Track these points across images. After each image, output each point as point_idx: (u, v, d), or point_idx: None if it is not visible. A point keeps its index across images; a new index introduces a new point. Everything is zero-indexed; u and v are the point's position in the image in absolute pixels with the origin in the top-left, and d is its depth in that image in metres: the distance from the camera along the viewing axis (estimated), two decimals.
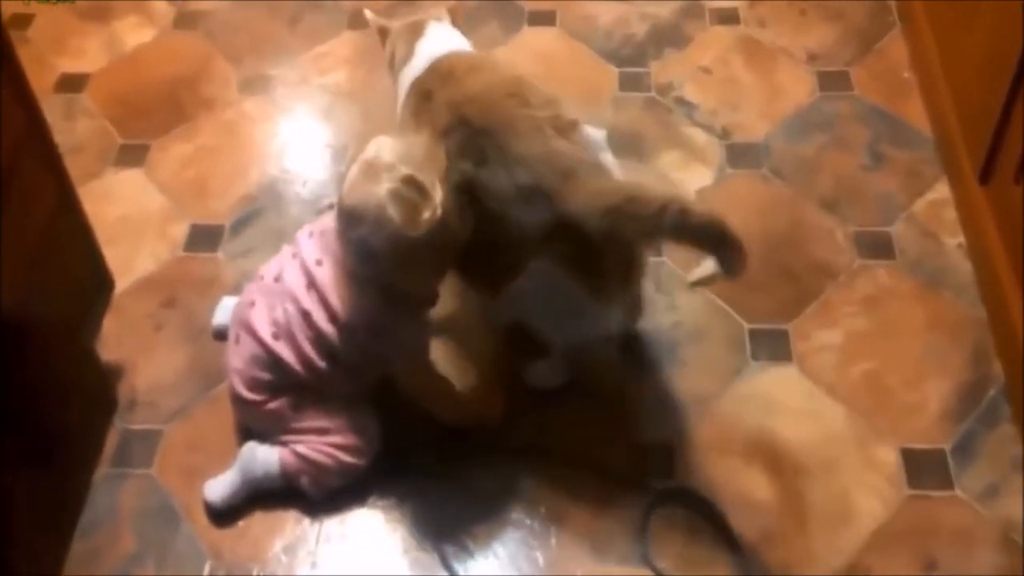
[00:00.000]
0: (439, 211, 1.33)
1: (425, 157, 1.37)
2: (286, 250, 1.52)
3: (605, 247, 1.36)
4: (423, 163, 1.35)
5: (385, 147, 1.36)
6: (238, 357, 1.48)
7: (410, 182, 1.32)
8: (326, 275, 1.43)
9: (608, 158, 1.44)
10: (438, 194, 1.33)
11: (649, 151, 1.93)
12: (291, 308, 1.44)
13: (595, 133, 1.45)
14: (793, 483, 1.48)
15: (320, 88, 2.10)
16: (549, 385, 1.59)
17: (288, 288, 1.45)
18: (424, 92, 1.49)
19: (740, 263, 1.33)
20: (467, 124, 1.40)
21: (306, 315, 1.42)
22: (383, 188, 1.32)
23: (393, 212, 1.31)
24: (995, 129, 1.61)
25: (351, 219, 1.35)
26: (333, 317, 1.41)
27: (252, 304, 1.49)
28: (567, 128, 1.39)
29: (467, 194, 1.39)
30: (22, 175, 1.36)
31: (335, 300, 1.41)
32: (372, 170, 1.34)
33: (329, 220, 1.45)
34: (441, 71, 1.50)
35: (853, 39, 2.12)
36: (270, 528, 1.47)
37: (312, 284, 1.43)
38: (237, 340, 1.49)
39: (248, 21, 2.24)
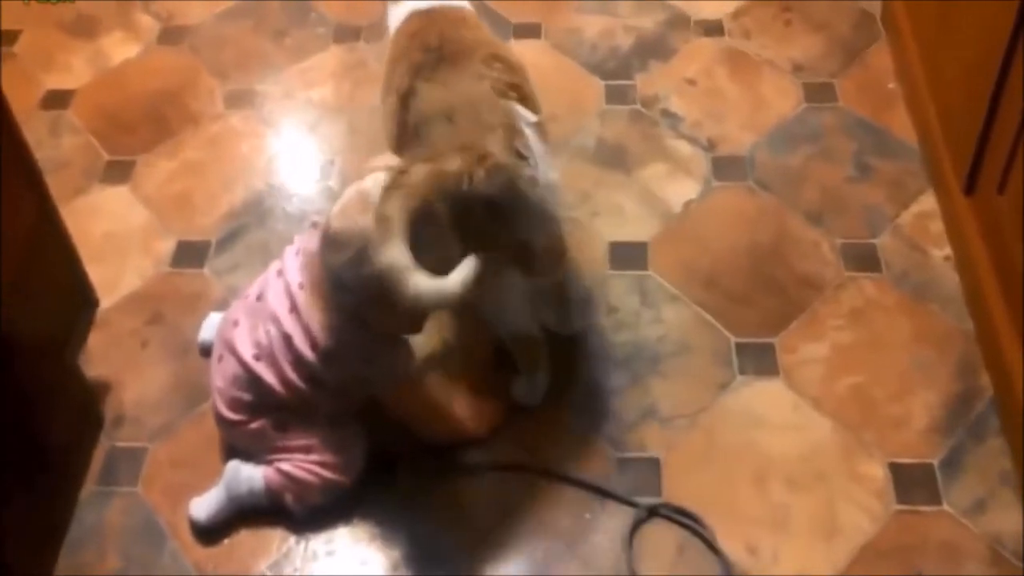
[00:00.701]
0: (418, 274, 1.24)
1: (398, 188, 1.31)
2: (273, 267, 1.51)
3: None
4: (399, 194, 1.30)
5: (383, 182, 1.31)
6: (220, 376, 1.48)
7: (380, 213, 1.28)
8: (308, 301, 1.41)
9: (535, 144, 1.42)
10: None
11: (635, 163, 1.93)
12: (273, 330, 1.43)
13: (526, 114, 1.44)
14: (780, 497, 1.48)
15: (306, 102, 2.10)
16: (529, 402, 1.58)
17: (271, 310, 1.44)
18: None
19: None
20: (429, 50, 1.45)
21: (287, 339, 1.42)
22: (371, 223, 1.28)
23: (374, 252, 1.27)
24: (978, 140, 1.61)
25: (333, 244, 1.34)
26: (314, 343, 1.41)
27: (236, 323, 1.49)
28: (504, 91, 1.41)
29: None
30: (1, 192, 1.35)
31: (315, 326, 1.40)
32: (365, 202, 1.30)
33: (313, 240, 1.43)
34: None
35: (838, 50, 2.12)
36: (255, 546, 1.46)
37: (295, 307, 1.42)
38: (220, 359, 1.49)
39: (234, 36, 2.24)
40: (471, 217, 1.31)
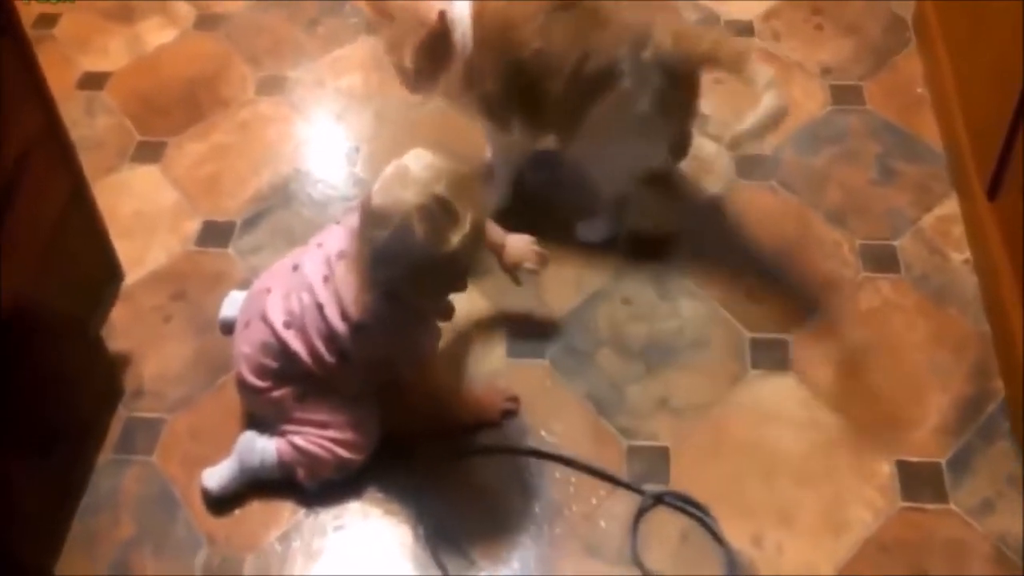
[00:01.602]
0: (461, 241, 1.34)
1: (462, 185, 1.36)
2: (313, 239, 1.53)
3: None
4: (459, 189, 1.35)
5: (425, 160, 1.36)
6: (247, 343, 1.50)
7: (442, 203, 1.33)
8: (344, 270, 1.43)
9: None
10: (466, 225, 1.34)
11: None
12: (307, 299, 1.45)
13: None
14: (787, 491, 1.49)
15: (335, 91, 2.13)
16: (599, 238, 1.79)
17: (306, 278, 1.46)
18: None
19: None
20: None
21: (320, 308, 1.44)
22: (413, 199, 1.32)
23: (417, 226, 1.32)
24: (1003, 146, 1.61)
25: (374, 219, 1.36)
26: (345, 315, 1.43)
27: (268, 291, 1.50)
28: None
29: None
30: (37, 167, 1.39)
31: (348, 298, 1.42)
32: (407, 178, 1.34)
33: (355, 218, 1.45)
34: None
35: (868, 54, 2.12)
36: (266, 518, 1.49)
37: (330, 277, 1.44)
38: (247, 325, 1.51)
39: (267, 24, 2.28)
40: None
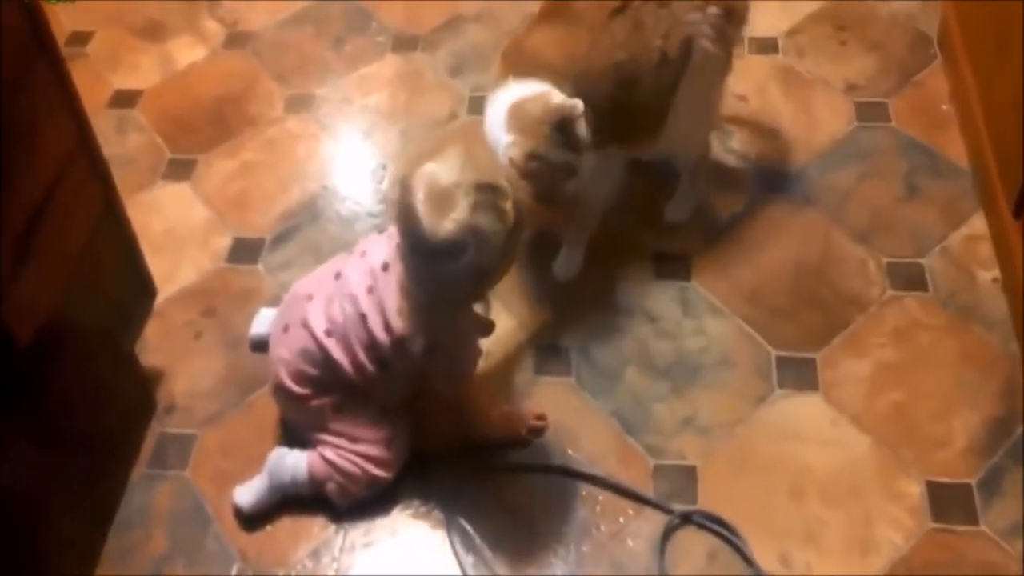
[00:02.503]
0: (512, 197, 1.36)
1: (471, 161, 1.36)
2: (356, 247, 1.54)
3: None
4: (477, 167, 1.36)
5: (438, 172, 1.35)
6: (286, 348, 1.50)
7: (481, 188, 1.33)
8: (390, 282, 1.44)
9: None
10: (504, 182, 1.36)
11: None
12: (349, 308, 1.45)
13: None
14: (815, 511, 1.49)
15: (362, 108, 2.15)
16: (682, 219, 1.86)
17: (350, 288, 1.46)
18: None
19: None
20: None
21: (363, 318, 1.44)
22: (465, 209, 1.32)
23: (487, 222, 1.33)
24: None
25: (452, 252, 1.34)
26: (387, 326, 1.43)
27: (309, 297, 1.51)
28: None
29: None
30: (70, 185, 1.41)
31: (392, 311, 1.43)
32: (441, 199, 1.33)
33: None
34: None
35: (893, 70, 2.12)
36: (296, 534, 1.50)
37: (374, 288, 1.45)
38: (286, 330, 1.51)
39: (295, 42, 2.31)
40: None
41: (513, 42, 1.69)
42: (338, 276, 1.50)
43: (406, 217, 1.36)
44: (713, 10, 1.65)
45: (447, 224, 1.32)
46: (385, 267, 1.45)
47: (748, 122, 2.04)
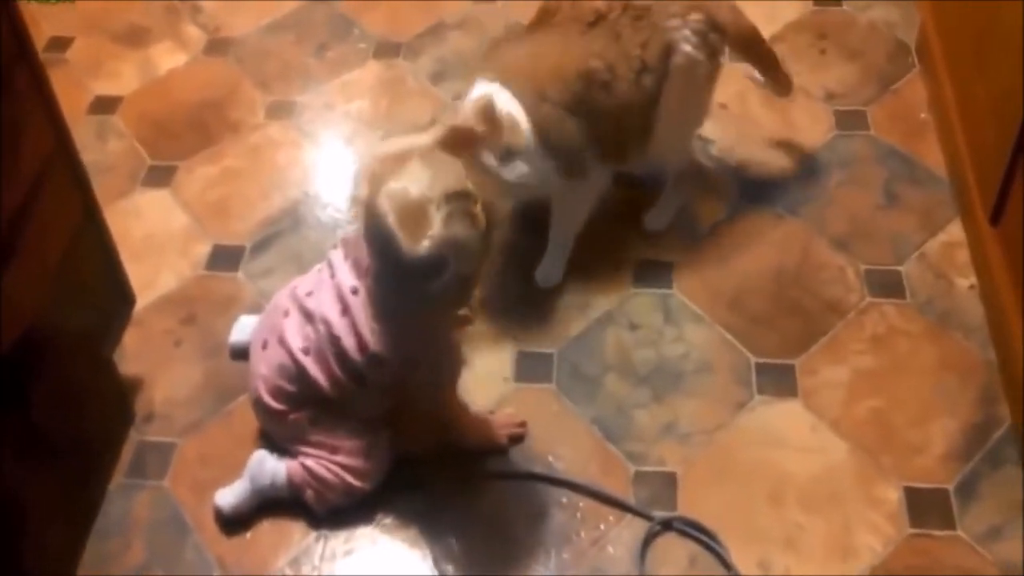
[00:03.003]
0: (479, 199, 1.36)
1: (434, 171, 1.35)
2: (324, 267, 1.52)
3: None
4: (441, 175, 1.35)
5: (406, 189, 1.33)
6: (265, 364, 1.50)
7: (451, 197, 1.32)
8: (360, 305, 1.43)
9: None
10: (470, 186, 1.36)
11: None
12: (323, 330, 1.45)
13: None
14: (794, 516, 1.49)
15: (344, 115, 2.15)
16: (662, 227, 1.86)
17: (321, 311, 1.46)
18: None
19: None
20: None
21: (336, 340, 1.44)
22: (440, 224, 1.31)
23: (463, 231, 1.32)
24: (1006, 172, 1.62)
25: (435, 268, 1.33)
26: (363, 347, 1.43)
27: (286, 313, 1.51)
28: None
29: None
30: (49, 192, 1.41)
31: (367, 332, 1.42)
32: (414, 217, 1.32)
33: (361, 246, 1.44)
34: None
35: (872, 79, 2.14)
36: (276, 542, 1.50)
37: (347, 311, 1.44)
38: (265, 346, 1.52)
39: (277, 48, 2.30)
40: None
41: (492, 44, 1.70)
42: (310, 295, 1.50)
43: (381, 241, 1.34)
44: (695, 17, 1.67)
45: (425, 243, 1.31)
46: (354, 291, 1.45)
47: (728, 130, 2.05)
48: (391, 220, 1.32)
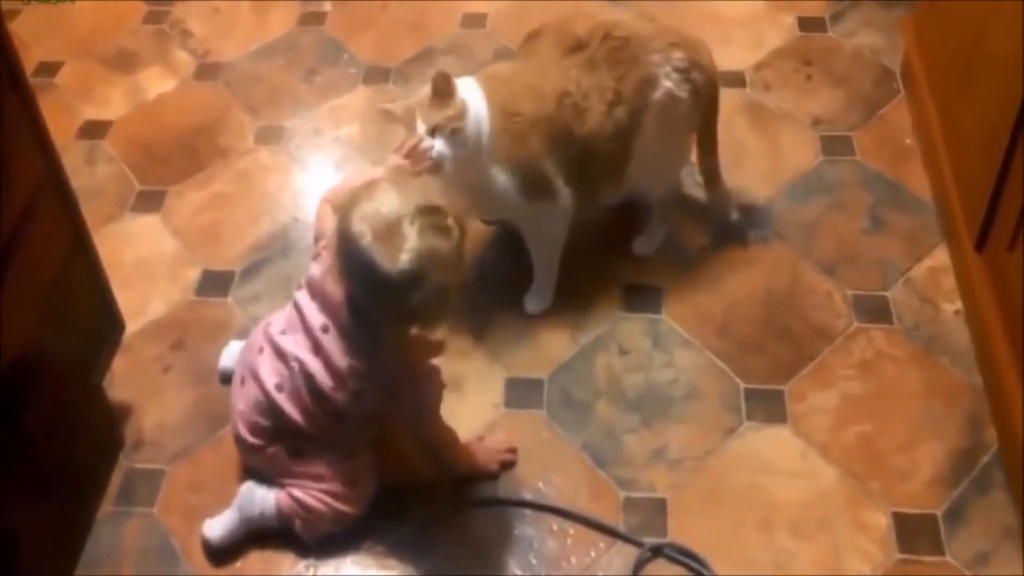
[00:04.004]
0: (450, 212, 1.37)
1: (403, 189, 1.37)
2: (294, 304, 1.52)
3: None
4: (410, 192, 1.36)
5: (378, 208, 1.34)
6: (243, 400, 1.51)
7: (423, 211, 1.34)
8: (333, 341, 1.44)
9: None
10: (440, 199, 1.37)
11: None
12: (297, 367, 1.46)
13: None
14: (784, 542, 1.50)
15: (333, 140, 2.16)
16: (651, 253, 1.88)
17: (294, 351, 1.46)
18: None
19: None
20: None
21: (310, 377, 1.45)
22: (415, 238, 1.32)
23: (438, 242, 1.33)
24: (990, 198, 1.64)
25: (414, 282, 1.33)
26: (341, 385, 1.43)
27: (260, 351, 1.52)
28: None
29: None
30: (39, 217, 1.41)
31: (343, 367, 1.43)
32: (389, 235, 1.32)
33: (328, 283, 1.45)
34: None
35: (857, 105, 2.16)
36: (265, 571, 1.49)
37: (319, 349, 1.45)
38: (243, 382, 1.52)
39: (266, 73, 2.31)
40: None
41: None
42: (284, 333, 1.50)
43: (359, 264, 1.34)
44: (678, 55, 1.69)
45: (403, 257, 1.32)
46: (325, 328, 1.45)
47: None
48: (367, 240, 1.33)
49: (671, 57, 1.69)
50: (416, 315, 1.39)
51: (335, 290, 1.43)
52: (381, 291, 1.36)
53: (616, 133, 1.69)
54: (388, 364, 1.43)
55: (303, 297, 1.50)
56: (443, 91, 1.60)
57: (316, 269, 1.49)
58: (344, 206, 1.38)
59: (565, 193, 1.71)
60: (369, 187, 1.39)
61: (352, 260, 1.36)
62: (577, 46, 1.68)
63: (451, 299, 1.42)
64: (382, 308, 1.39)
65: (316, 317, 1.46)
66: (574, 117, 1.66)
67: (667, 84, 1.68)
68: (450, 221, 1.36)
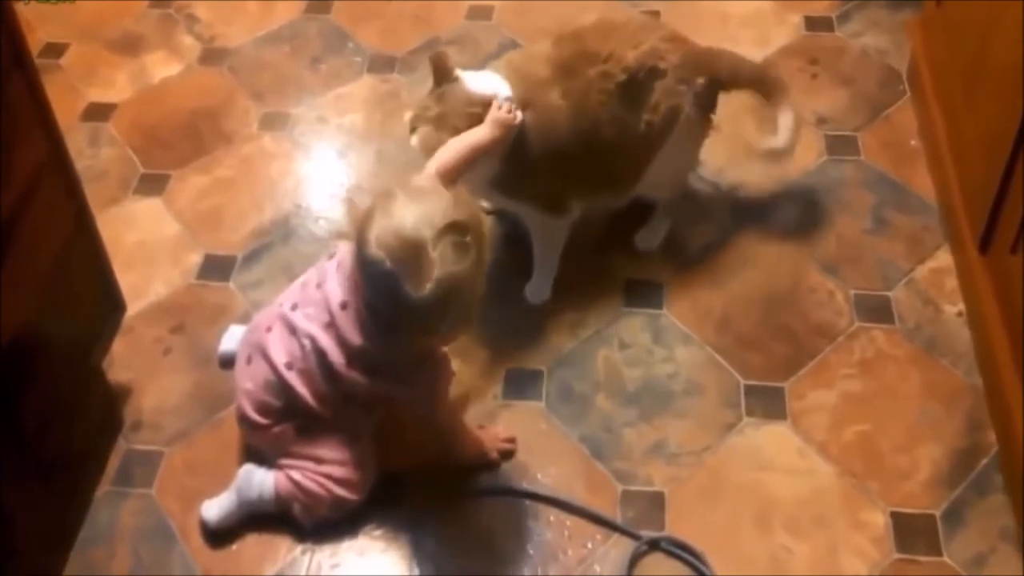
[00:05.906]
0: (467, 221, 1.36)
1: (420, 207, 1.34)
2: (310, 277, 1.52)
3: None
4: (429, 211, 1.34)
5: (399, 232, 1.32)
6: (250, 379, 1.50)
7: (443, 233, 1.32)
8: (348, 320, 1.43)
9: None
10: (458, 216, 1.34)
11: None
12: (308, 344, 1.45)
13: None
14: (781, 539, 1.50)
15: (337, 128, 2.15)
16: (653, 248, 1.88)
17: (306, 326, 1.46)
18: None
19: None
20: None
21: (322, 354, 1.44)
22: (438, 264, 1.31)
23: (459, 265, 1.32)
24: (994, 201, 1.64)
25: (436, 308, 1.33)
26: (350, 362, 1.43)
27: (269, 329, 1.51)
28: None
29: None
30: (41, 198, 1.40)
31: (356, 346, 1.42)
32: (413, 263, 1.31)
33: (349, 256, 1.44)
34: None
35: (863, 105, 2.16)
36: (262, 554, 1.49)
37: (332, 324, 1.44)
38: (249, 361, 1.51)
39: (271, 60, 2.31)
40: None
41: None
42: (295, 308, 1.49)
43: (381, 284, 1.34)
44: (701, 81, 1.72)
45: (429, 287, 1.31)
46: (343, 305, 1.44)
47: (720, 152, 2.06)
48: (388, 266, 1.32)
49: (695, 83, 1.72)
50: (436, 331, 1.39)
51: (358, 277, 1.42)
52: (402, 312, 1.35)
53: (636, 157, 1.73)
54: (402, 352, 1.43)
55: (331, 265, 1.48)
56: (446, 68, 1.61)
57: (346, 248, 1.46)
58: (361, 220, 1.36)
59: (576, 204, 1.75)
60: (385, 199, 1.36)
61: (373, 280, 1.36)
62: (623, 72, 1.67)
63: (471, 314, 1.42)
64: (402, 322, 1.38)
65: (337, 291, 1.45)
66: (607, 130, 1.67)
67: (688, 111, 1.72)
68: (469, 238, 1.34)
